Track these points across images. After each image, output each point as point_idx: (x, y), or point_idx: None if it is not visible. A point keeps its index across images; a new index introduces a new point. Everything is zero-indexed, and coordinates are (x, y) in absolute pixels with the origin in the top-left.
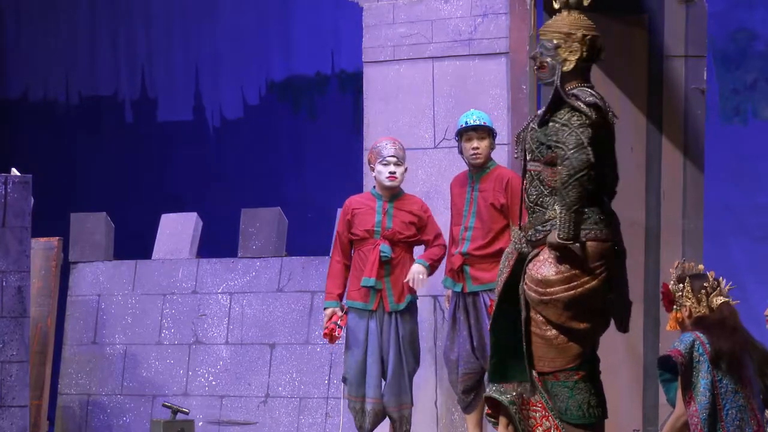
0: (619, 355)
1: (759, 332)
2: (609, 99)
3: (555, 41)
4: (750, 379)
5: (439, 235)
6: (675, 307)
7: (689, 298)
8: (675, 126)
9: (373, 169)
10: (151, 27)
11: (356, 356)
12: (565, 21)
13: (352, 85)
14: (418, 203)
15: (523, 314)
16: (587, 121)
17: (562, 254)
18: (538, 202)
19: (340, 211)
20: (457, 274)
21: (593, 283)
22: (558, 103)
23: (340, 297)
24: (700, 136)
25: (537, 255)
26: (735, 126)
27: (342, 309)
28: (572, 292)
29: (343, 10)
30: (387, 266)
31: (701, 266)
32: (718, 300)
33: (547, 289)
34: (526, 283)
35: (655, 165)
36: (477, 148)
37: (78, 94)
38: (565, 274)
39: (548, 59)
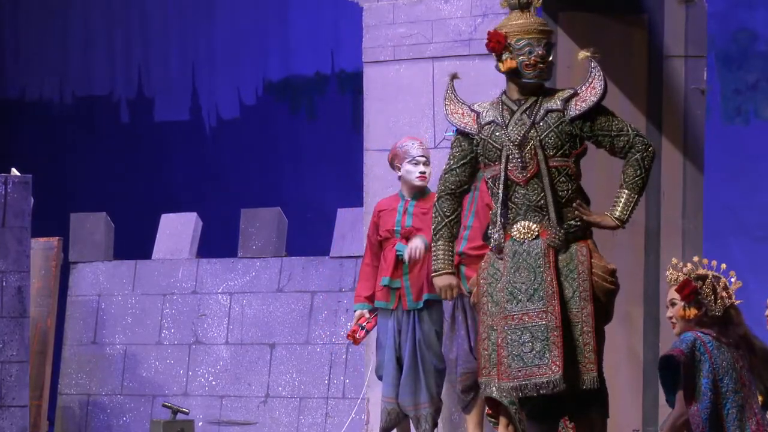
0: (619, 355)
1: (760, 332)
2: (609, 99)
3: (550, 42)
4: (749, 378)
5: None
6: (691, 303)
7: (709, 296)
8: (675, 126)
9: (399, 169)
10: (147, 26)
11: (380, 355)
12: (539, 21)
13: (351, 85)
14: None
15: (591, 306)
16: None
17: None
18: (569, 197)
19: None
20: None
21: None
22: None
23: (369, 299)
24: (700, 136)
25: (587, 248)
26: (736, 126)
27: (371, 312)
28: (618, 284)
29: (341, 9)
30: (405, 265)
31: (705, 260)
32: (728, 301)
33: (614, 279)
34: (596, 274)
35: (654, 165)
36: None
37: (72, 94)
38: (613, 264)
39: (551, 59)
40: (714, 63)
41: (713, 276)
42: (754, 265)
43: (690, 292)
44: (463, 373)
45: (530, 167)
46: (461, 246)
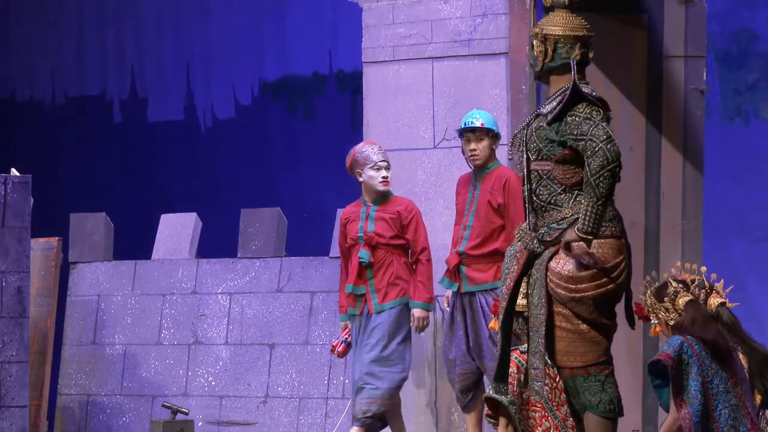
0: (619, 355)
1: (761, 334)
2: (609, 99)
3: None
4: (740, 376)
5: (424, 249)
6: (652, 322)
7: (659, 310)
8: (674, 126)
9: (359, 175)
10: (141, 24)
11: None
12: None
13: (350, 85)
14: (404, 204)
15: (544, 311)
16: (604, 116)
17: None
18: (552, 201)
19: (340, 211)
20: (453, 273)
21: (619, 279)
22: (575, 99)
23: None
24: (700, 136)
25: (557, 252)
26: (736, 126)
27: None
28: (602, 289)
29: (339, 9)
30: (369, 270)
31: (704, 268)
32: (682, 301)
33: (578, 286)
34: (551, 280)
35: (654, 165)
36: (474, 150)
37: (64, 94)
38: (593, 271)
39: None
40: (714, 63)
41: (657, 288)
42: (755, 266)
43: (643, 317)
44: (461, 374)
45: (520, 168)
46: (461, 246)
